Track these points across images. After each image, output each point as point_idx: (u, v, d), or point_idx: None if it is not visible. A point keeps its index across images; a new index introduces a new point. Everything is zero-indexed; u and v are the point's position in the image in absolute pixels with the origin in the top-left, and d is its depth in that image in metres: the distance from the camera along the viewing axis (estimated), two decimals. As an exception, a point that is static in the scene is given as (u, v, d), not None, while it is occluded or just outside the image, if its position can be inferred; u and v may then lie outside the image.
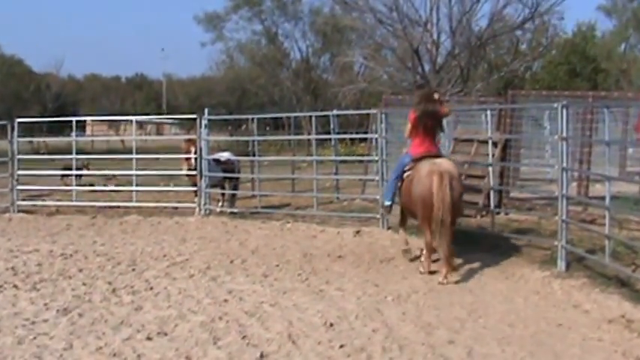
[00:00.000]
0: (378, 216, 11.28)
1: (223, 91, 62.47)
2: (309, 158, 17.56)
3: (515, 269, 8.59)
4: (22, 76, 61.51)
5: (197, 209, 13.72)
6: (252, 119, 14.58)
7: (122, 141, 37.79)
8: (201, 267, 8.99)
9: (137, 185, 14.97)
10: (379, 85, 31.52)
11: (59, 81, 70.70)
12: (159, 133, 61.73)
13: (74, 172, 15.46)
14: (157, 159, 18.68)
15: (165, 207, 14.45)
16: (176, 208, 14.35)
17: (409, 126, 8.67)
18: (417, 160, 8.54)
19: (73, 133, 17.28)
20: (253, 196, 15.55)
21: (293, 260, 9.42)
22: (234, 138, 36.11)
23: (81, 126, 41.91)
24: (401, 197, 8.94)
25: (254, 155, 15.19)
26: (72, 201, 14.80)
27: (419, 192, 8.18)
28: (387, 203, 9.21)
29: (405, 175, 8.71)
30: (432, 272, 8.47)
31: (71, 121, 16.08)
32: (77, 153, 14.84)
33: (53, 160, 18.52)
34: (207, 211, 13.72)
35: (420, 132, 8.62)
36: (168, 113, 57.82)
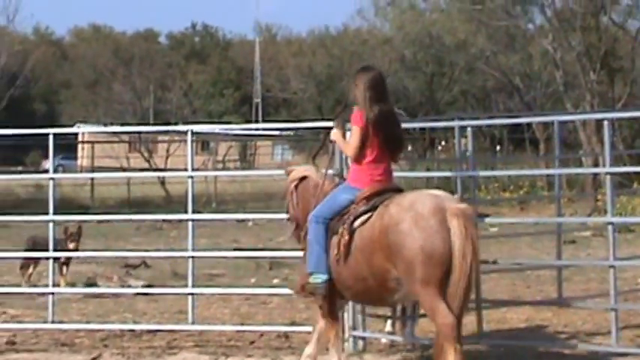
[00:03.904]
0: None
1: (388, 67, 38.39)
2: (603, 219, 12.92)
3: None
4: None
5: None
6: (464, 129, 11.49)
7: (162, 183, 31.25)
8: None
9: (196, 285, 11.67)
10: None
11: (8, 40, 44.47)
12: (245, 161, 50.97)
13: (50, 252, 11.67)
14: (248, 222, 16.68)
15: (262, 334, 11.55)
16: (286, 335, 11.45)
17: (354, 137, 8.30)
18: (370, 196, 8.25)
19: (49, 163, 13.29)
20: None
21: None
22: (412, 174, 23.85)
23: (65, 144, 34.98)
24: (341, 265, 8.36)
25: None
26: (47, 321, 11.54)
27: (418, 245, 7.86)
28: (323, 278, 8.45)
29: (355, 222, 8.20)
30: None
31: (43, 135, 12.22)
32: (56, 207, 11.56)
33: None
34: (360, 344, 10.86)
35: (373, 149, 8.31)
36: (265, 114, 49.08)
